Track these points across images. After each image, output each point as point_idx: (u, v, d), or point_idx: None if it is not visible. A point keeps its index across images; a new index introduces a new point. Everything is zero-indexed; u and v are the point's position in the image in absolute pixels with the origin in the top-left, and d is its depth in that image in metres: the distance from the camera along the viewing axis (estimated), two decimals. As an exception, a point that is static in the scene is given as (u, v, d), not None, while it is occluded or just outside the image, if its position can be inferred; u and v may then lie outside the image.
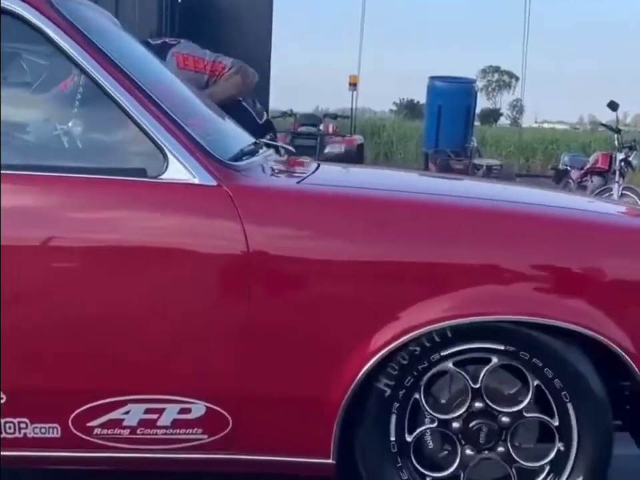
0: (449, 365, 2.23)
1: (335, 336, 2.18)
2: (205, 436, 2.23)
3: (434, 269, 2.19)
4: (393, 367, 2.19)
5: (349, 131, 11.72)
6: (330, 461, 2.23)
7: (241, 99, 4.43)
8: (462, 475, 2.26)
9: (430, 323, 2.15)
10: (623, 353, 2.17)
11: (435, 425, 2.26)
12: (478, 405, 2.23)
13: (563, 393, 2.20)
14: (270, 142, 3.01)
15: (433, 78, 12.21)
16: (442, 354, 2.20)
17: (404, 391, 2.22)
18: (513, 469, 2.25)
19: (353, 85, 12.90)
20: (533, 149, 19.05)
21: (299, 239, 2.20)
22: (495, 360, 2.22)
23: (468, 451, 2.25)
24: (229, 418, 2.21)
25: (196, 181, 2.17)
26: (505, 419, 2.23)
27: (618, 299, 2.22)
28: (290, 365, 2.19)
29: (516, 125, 36.99)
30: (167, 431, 2.20)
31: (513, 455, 2.24)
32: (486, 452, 2.25)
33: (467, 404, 2.24)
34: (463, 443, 2.25)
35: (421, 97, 21.74)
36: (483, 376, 2.22)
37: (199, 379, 2.19)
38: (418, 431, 2.26)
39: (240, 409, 2.20)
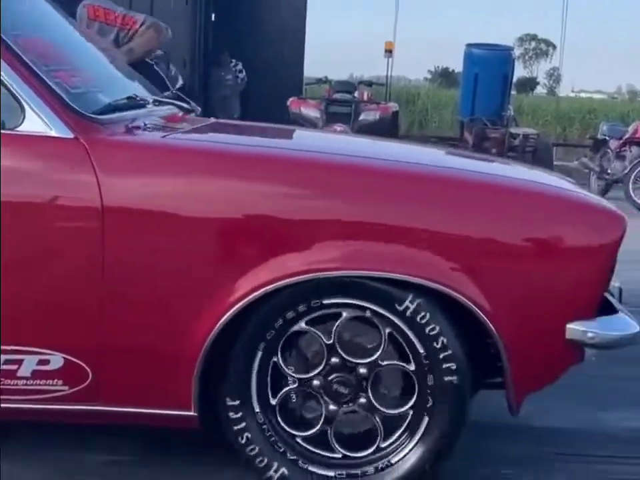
0: (302, 324, 2.26)
1: (191, 289, 2.22)
2: (66, 387, 2.27)
3: (284, 224, 2.23)
4: (249, 324, 2.23)
5: (383, 98, 11.61)
6: (192, 413, 2.27)
7: (153, 63, 4.51)
8: (329, 430, 2.30)
9: (280, 279, 2.18)
10: (477, 310, 2.21)
11: (296, 385, 2.30)
12: (334, 360, 2.27)
13: (415, 340, 2.24)
14: (164, 99, 2.98)
15: (470, 45, 11.98)
16: (296, 312, 2.24)
17: (262, 352, 2.26)
18: (377, 418, 2.29)
19: (389, 52, 12.77)
20: (570, 119, 18.79)
21: (154, 192, 2.23)
22: (345, 314, 2.25)
23: (331, 407, 2.29)
24: (88, 370, 2.26)
25: (52, 133, 2.21)
26: (362, 370, 2.27)
27: (476, 257, 2.24)
28: (147, 317, 2.24)
29: (552, 94, 36.72)
30: (28, 382, 2.25)
31: (375, 404, 2.28)
32: (348, 405, 2.29)
33: (324, 360, 2.27)
34: (326, 399, 2.29)
35: (455, 65, 21.49)
36: (335, 331, 2.25)
37: (55, 330, 2.24)
38: (281, 392, 2.30)
39: (99, 361, 2.25)
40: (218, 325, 2.19)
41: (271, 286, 2.18)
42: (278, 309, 2.23)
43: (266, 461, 2.29)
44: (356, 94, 10.40)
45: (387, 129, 9.53)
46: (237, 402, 2.27)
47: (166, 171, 2.27)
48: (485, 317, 2.21)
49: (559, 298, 2.29)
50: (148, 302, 2.23)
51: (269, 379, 2.29)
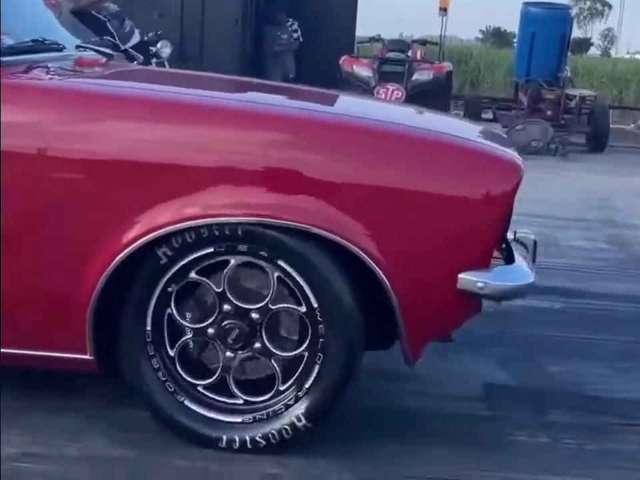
0: (193, 274, 2.28)
1: (79, 234, 2.25)
2: None
3: (169, 171, 2.23)
4: (140, 273, 2.26)
5: (437, 57, 11.39)
6: (88, 357, 2.31)
7: (105, 20, 4.50)
8: (227, 377, 2.32)
9: (166, 225, 2.20)
10: (366, 257, 2.20)
11: (191, 335, 2.32)
12: (226, 307, 2.29)
13: (304, 283, 2.24)
14: (88, 45, 2.98)
15: (527, 4, 11.71)
16: (184, 261, 2.25)
17: (155, 302, 2.28)
18: (273, 362, 2.31)
19: (443, 10, 12.50)
20: (626, 81, 18.41)
21: (39, 134, 2.24)
22: (233, 261, 2.26)
23: (228, 354, 2.31)
24: None
25: None
26: (254, 315, 2.28)
27: (367, 206, 2.23)
28: (39, 260, 2.27)
29: (607, 55, 36.12)
30: None
31: (270, 348, 2.30)
32: (244, 351, 2.31)
33: (217, 309, 2.29)
34: (222, 346, 2.31)
35: (508, 25, 21.00)
36: (224, 278, 2.27)
37: None
38: (179, 343, 2.32)
39: None
40: (108, 269, 2.21)
41: (160, 231, 2.20)
42: (169, 257, 2.24)
43: (166, 409, 2.33)
44: (409, 53, 10.28)
45: (440, 89, 9.45)
46: (135, 351, 2.30)
47: (53, 112, 2.29)
48: (374, 265, 2.21)
49: (450, 248, 2.27)
50: (40, 245, 2.26)
51: (165, 329, 2.32)
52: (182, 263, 2.25)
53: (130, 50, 4.27)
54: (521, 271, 2.40)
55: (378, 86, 9.14)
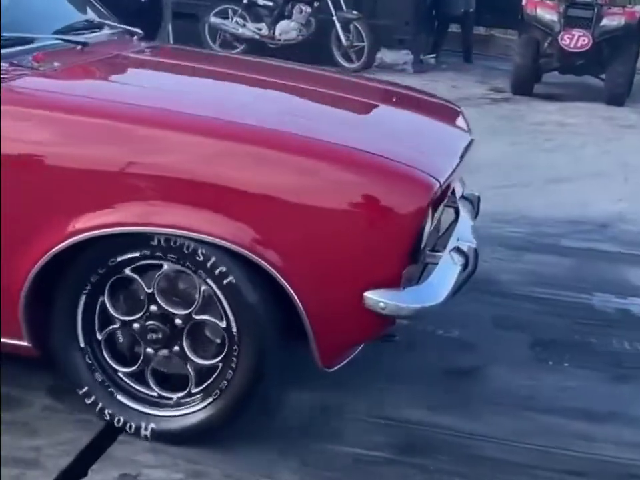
0: (127, 271, 2.38)
1: (18, 225, 2.35)
2: None
3: (92, 180, 2.31)
4: (75, 266, 2.37)
5: (628, 1, 10.29)
6: (25, 343, 2.45)
7: None
8: (146, 370, 2.46)
9: (94, 229, 2.30)
10: (275, 272, 2.25)
11: (118, 325, 2.45)
12: (153, 308, 2.39)
13: (223, 299, 2.33)
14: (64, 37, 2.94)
15: None
16: (118, 260, 2.35)
17: (87, 292, 2.40)
18: (189, 366, 2.42)
19: None
20: None
21: None
22: (165, 267, 2.35)
23: (149, 350, 2.43)
24: None
25: None
26: (177, 321, 2.39)
27: (275, 220, 2.27)
28: None
29: None
30: None
31: (188, 353, 2.41)
32: (164, 350, 2.43)
33: (145, 307, 2.40)
34: (143, 342, 2.43)
35: None
36: (155, 281, 2.37)
37: None
38: (105, 330, 2.45)
39: None
40: (40, 262, 2.33)
41: (85, 234, 2.30)
42: (100, 256, 2.35)
43: (86, 389, 2.48)
44: (599, -5, 9.68)
45: (631, 36, 8.84)
46: (62, 334, 2.44)
47: None
48: (282, 279, 2.26)
49: (355, 266, 2.29)
50: None
51: (96, 315, 2.44)
52: (113, 262, 2.35)
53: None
54: (430, 292, 2.37)
55: (562, 31, 8.69)
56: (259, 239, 2.26)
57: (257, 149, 2.31)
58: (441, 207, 2.64)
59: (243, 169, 2.29)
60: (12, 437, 2.43)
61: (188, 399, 2.45)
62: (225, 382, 2.39)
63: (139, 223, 2.29)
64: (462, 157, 2.77)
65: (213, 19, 9.86)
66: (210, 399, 2.42)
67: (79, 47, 2.90)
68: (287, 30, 9.70)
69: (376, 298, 2.26)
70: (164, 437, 2.45)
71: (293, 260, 2.27)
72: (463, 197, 3.07)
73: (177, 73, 3.21)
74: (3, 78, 2.45)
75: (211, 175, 2.28)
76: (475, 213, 3.13)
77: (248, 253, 2.25)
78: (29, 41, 2.73)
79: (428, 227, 2.39)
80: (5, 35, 2.60)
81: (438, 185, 2.35)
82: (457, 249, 2.59)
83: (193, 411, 2.44)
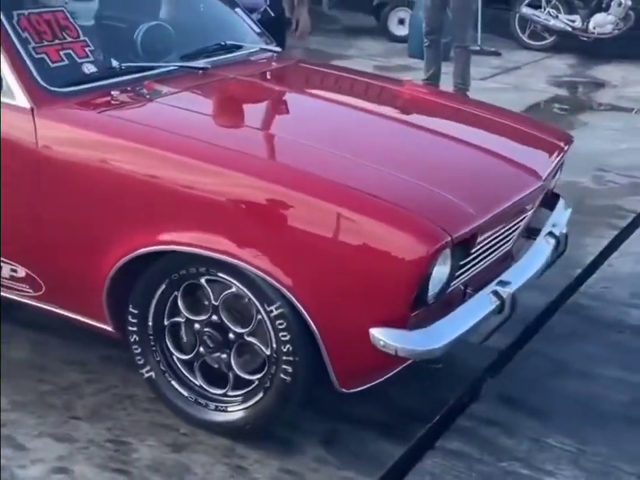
0: (202, 280, 2.72)
1: (103, 229, 2.76)
2: (31, 291, 2.96)
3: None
4: (157, 265, 2.74)
5: None
6: (109, 328, 2.87)
7: None
8: (195, 362, 2.83)
9: (178, 244, 2.65)
10: (301, 307, 2.51)
11: (183, 320, 2.80)
12: (214, 317, 2.73)
13: (271, 329, 2.63)
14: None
15: None
16: (197, 269, 2.69)
17: (165, 285, 2.75)
18: (230, 373, 2.78)
19: None
20: None
21: (75, 152, 2.76)
22: (234, 289, 2.67)
23: (201, 349, 2.79)
24: (41, 282, 2.92)
25: (12, 101, 2.79)
26: (231, 335, 2.73)
27: (298, 253, 2.52)
28: (72, 246, 2.82)
29: None
30: (10, 283, 2.97)
31: (232, 364, 2.75)
32: (214, 354, 2.79)
33: (208, 314, 2.75)
34: (199, 341, 2.79)
35: None
36: (222, 298, 2.70)
37: (19, 251, 2.91)
38: (172, 319, 2.82)
39: (46, 276, 2.90)
40: (121, 261, 2.71)
41: (171, 247, 2.67)
42: (182, 262, 2.70)
43: (148, 367, 2.87)
44: None
45: None
46: (136, 310, 2.81)
47: (81, 140, 2.78)
48: (303, 310, 2.52)
49: (363, 303, 2.49)
50: (73, 234, 2.80)
51: (167, 305, 2.80)
52: (193, 270, 2.70)
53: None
54: (433, 337, 2.54)
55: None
56: (294, 276, 2.53)
57: (288, 192, 2.55)
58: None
59: (287, 212, 2.55)
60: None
61: (224, 398, 2.81)
62: (258, 396, 2.73)
63: (206, 247, 2.61)
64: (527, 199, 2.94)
65: (525, 9, 9.90)
66: (242, 406, 2.77)
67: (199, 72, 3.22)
68: (603, 23, 9.56)
69: (377, 335, 2.46)
70: (197, 423, 2.85)
71: (314, 295, 2.52)
72: (549, 233, 3.21)
73: (275, 101, 3.44)
74: (113, 104, 2.88)
75: (263, 217, 2.57)
76: (560, 252, 3.27)
77: (282, 287, 2.53)
78: (150, 68, 3.09)
79: (443, 273, 2.54)
80: (128, 64, 3.03)
81: (446, 237, 2.45)
82: (495, 292, 2.76)
83: (226, 410, 2.80)
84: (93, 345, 3.16)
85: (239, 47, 3.63)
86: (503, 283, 2.79)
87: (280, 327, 2.60)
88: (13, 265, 2.94)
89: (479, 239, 2.65)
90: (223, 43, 3.54)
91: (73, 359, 3.18)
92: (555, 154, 3.26)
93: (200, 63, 3.33)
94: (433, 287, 2.53)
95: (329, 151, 2.78)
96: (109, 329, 2.89)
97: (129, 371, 2.98)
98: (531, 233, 3.25)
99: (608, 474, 2.86)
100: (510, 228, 2.92)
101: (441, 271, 2.53)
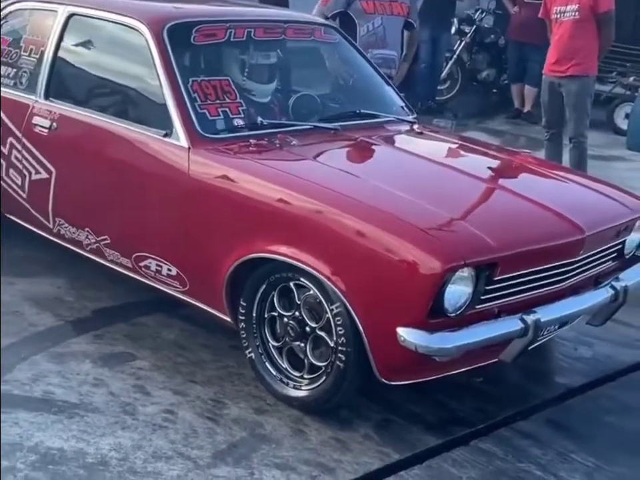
0: (291, 284, 3.53)
1: (228, 240, 3.65)
2: (180, 287, 3.91)
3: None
4: (263, 269, 3.59)
5: None
6: (228, 319, 3.74)
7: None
8: (283, 348, 3.63)
9: (274, 253, 3.48)
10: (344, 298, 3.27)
11: (277, 314, 3.62)
12: (297, 313, 3.53)
13: (334, 325, 3.38)
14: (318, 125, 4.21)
15: None
16: (288, 274, 3.51)
17: (265, 285, 3.60)
18: (305, 359, 3.55)
19: None
20: None
21: (215, 182, 3.69)
22: (311, 292, 3.46)
23: (287, 338, 3.60)
24: (186, 280, 3.85)
25: (176, 142, 3.81)
26: (307, 329, 3.51)
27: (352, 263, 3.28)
28: (207, 252, 3.73)
29: None
30: (166, 279, 3.93)
31: (307, 351, 3.53)
32: (295, 342, 3.57)
33: (293, 311, 3.55)
34: (285, 332, 3.60)
35: None
36: (302, 298, 3.50)
37: (173, 255, 3.88)
38: (269, 314, 3.65)
39: (188, 275, 3.83)
40: (236, 263, 3.59)
41: (271, 255, 3.50)
42: (278, 267, 3.53)
43: (250, 349, 3.71)
44: None
45: None
46: (245, 304, 3.67)
47: (215, 175, 3.71)
48: (352, 311, 3.26)
49: (393, 306, 3.17)
50: (207, 241, 3.72)
51: (267, 302, 3.64)
52: (286, 275, 3.52)
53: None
54: (448, 340, 3.14)
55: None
56: (347, 283, 3.27)
57: (355, 221, 3.30)
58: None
59: (350, 235, 3.29)
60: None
61: (299, 379, 3.58)
62: (322, 379, 3.48)
63: (295, 258, 3.41)
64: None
65: None
66: (310, 386, 3.54)
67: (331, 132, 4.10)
68: None
69: (401, 333, 3.12)
70: (279, 397, 3.64)
71: (360, 298, 3.25)
72: (610, 285, 3.75)
73: (379, 156, 4.22)
74: (250, 149, 3.84)
75: (334, 239, 3.33)
76: (619, 304, 3.78)
77: (339, 291, 3.27)
78: (288, 125, 4.04)
79: (462, 291, 3.16)
80: (269, 121, 4.01)
81: (458, 260, 3.08)
82: (521, 318, 3.31)
83: (300, 388, 3.57)
84: (225, 335, 4.05)
85: (375, 116, 4.47)
86: (531, 312, 3.37)
87: (338, 322, 3.35)
88: (169, 265, 3.92)
89: (504, 270, 3.26)
90: (358, 111, 4.40)
91: (208, 344, 4.09)
92: (618, 215, 3.79)
93: (333, 125, 4.21)
94: (452, 301, 3.18)
95: (400, 194, 3.52)
96: (228, 319, 3.77)
97: (245, 357, 3.82)
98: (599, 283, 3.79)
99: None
100: (552, 269, 3.48)
101: (459, 289, 3.18)
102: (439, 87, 11.08)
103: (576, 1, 6.40)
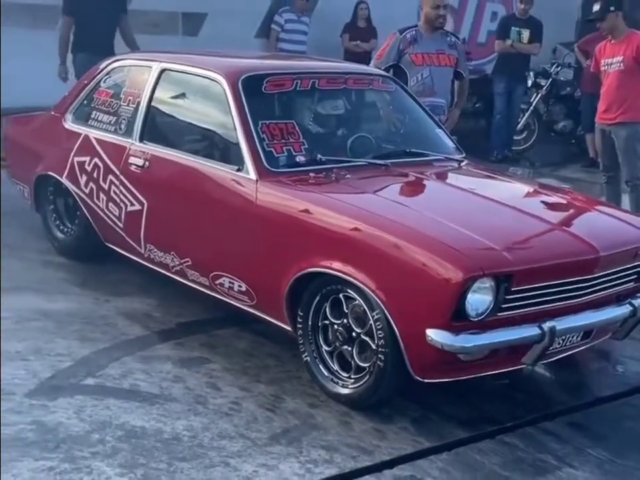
0: (340, 295, 4.10)
1: (288, 258, 4.24)
2: (249, 301, 4.53)
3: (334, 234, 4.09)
4: (316, 283, 4.17)
5: None
6: (289, 328, 4.33)
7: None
8: (334, 352, 4.18)
9: (325, 267, 4.06)
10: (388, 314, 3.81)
11: (328, 322, 4.19)
12: (345, 321, 4.09)
13: (375, 329, 3.92)
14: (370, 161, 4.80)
15: None
16: (337, 287, 4.08)
17: (319, 297, 4.18)
18: (352, 361, 4.09)
19: None
20: None
21: (279, 209, 4.31)
22: (357, 301, 4.01)
23: (337, 343, 4.16)
24: (254, 294, 4.47)
25: (247, 176, 4.46)
26: (354, 334, 4.06)
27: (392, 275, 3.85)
28: (271, 270, 4.32)
29: None
30: (237, 294, 4.55)
31: (353, 354, 4.08)
32: (343, 346, 4.13)
33: (342, 319, 4.11)
34: (335, 337, 4.16)
35: None
36: (349, 307, 4.06)
37: (243, 273, 4.51)
38: (322, 322, 4.21)
39: (257, 290, 4.44)
40: (292, 279, 4.18)
41: (323, 270, 4.08)
42: (328, 281, 4.11)
43: (306, 353, 4.28)
44: None
45: None
46: (302, 314, 4.25)
47: (278, 202, 4.34)
48: (388, 314, 3.80)
49: (422, 310, 3.69)
50: (267, 260, 4.34)
51: (320, 312, 4.21)
52: (335, 287, 4.09)
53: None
54: (470, 340, 3.63)
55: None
56: (386, 292, 3.82)
57: (395, 240, 3.86)
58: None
59: (389, 251, 3.85)
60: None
61: (347, 379, 4.13)
62: (365, 378, 4.02)
63: (344, 272, 3.98)
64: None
65: None
66: (356, 384, 4.08)
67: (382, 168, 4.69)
68: None
69: (429, 334, 3.61)
70: (330, 394, 4.17)
71: (396, 305, 3.78)
72: (629, 301, 4.21)
73: (423, 189, 4.81)
74: (309, 181, 4.47)
75: (376, 255, 3.89)
76: (637, 320, 4.23)
77: (379, 300, 3.82)
78: (344, 161, 4.67)
79: (483, 299, 3.65)
80: (328, 157, 4.65)
81: (477, 270, 3.58)
82: (539, 325, 3.78)
83: (347, 387, 4.11)
84: (288, 346, 4.63)
85: (424, 154, 5.04)
86: (548, 320, 3.84)
87: (378, 327, 3.89)
88: (239, 282, 4.53)
89: (520, 282, 3.76)
90: (408, 150, 4.99)
91: (273, 352, 4.68)
92: (633, 240, 4.26)
93: (384, 161, 4.80)
94: (474, 307, 3.68)
95: (436, 218, 4.08)
96: (289, 328, 4.35)
97: (302, 362, 4.39)
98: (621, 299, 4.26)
99: (625, 475, 3.71)
100: (569, 285, 3.95)
101: (480, 298, 3.68)
102: (515, 137, 11.57)
103: (621, 53, 6.92)
